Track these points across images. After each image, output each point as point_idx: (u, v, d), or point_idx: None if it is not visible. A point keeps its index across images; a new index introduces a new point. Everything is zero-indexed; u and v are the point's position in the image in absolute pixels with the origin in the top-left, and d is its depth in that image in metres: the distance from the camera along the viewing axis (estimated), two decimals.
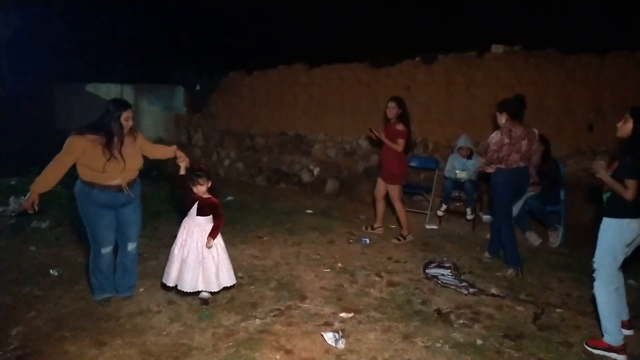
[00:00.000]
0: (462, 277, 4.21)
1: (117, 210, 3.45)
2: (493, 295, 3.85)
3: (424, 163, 6.68)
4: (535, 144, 4.35)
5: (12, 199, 6.33)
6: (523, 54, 6.32)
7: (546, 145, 5.25)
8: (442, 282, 4.07)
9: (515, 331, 3.25)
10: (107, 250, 3.46)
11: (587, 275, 4.20)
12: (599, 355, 2.99)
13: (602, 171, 2.97)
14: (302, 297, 3.78)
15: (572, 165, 5.93)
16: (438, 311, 3.56)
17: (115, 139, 3.28)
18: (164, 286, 3.67)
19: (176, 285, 3.55)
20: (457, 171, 5.81)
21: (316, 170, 8.06)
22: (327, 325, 3.32)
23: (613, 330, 2.97)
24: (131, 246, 3.62)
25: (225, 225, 5.74)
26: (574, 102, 5.94)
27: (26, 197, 3.21)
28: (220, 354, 2.94)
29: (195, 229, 3.54)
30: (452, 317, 3.47)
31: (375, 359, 2.90)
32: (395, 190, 5.22)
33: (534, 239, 5.21)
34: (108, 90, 11.61)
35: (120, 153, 3.29)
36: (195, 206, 3.55)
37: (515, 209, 5.23)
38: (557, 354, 2.98)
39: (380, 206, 5.51)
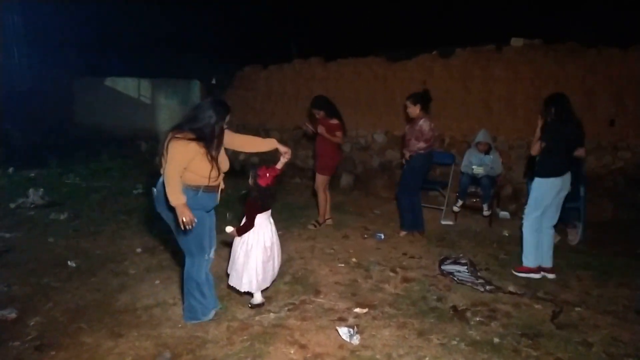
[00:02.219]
0: (479, 273, 4.16)
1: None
2: (510, 292, 3.79)
3: (440, 158, 6.58)
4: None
5: (31, 191, 6.45)
6: (543, 47, 6.19)
7: None
8: (458, 278, 4.02)
9: (533, 330, 3.20)
10: (212, 253, 3.25)
11: (607, 274, 4.15)
12: (525, 277, 4.04)
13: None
14: (317, 291, 3.77)
15: (593, 161, 5.81)
16: (454, 308, 3.51)
17: (216, 146, 3.01)
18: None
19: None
20: (473, 166, 5.73)
21: None
22: (342, 320, 3.30)
23: (531, 258, 4.11)
24: (213, 251, 3.34)
25: (239, 219, 5.80)
26: (595, 96, 5.81)
27: (179, 214, 2.85)
28: (234, 347, 2.95)
29: (270, 222, 3.49)
30: (469, 314, 3.42)
31: (389, 355, 2.88)
32: (325, 180, 5.39)
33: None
34: (126, 85, 11.76)
35: (216, 159, 3.02)
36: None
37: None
38: (576, 354, 2.92)
39: (323, 198, 5.49)
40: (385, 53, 7.64)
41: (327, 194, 5.50)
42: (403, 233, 5.27)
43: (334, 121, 5.22)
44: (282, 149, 3.42)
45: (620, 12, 7.86)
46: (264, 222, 3.42)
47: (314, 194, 5.75)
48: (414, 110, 4.97)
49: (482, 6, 9.84)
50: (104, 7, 12.79)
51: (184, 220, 2.84)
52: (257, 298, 3.49)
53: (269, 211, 3.49)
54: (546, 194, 4.03)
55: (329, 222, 5.61)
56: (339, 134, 5.22)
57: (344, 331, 3.07)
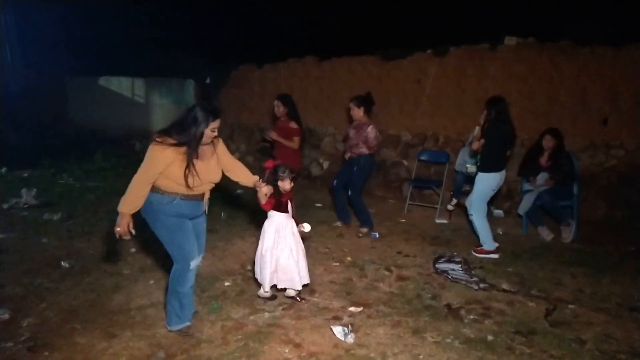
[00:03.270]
0: (473, 272, 4.17)
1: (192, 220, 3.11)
2: (504, 290, 3.81)
3: (434, 157, 6.61)
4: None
5: (24, 191, 6.41)
6: (537, 46, 6.21)
7: (560, 139, 5.18)
8: (452, 277, 4.03)
9: (526, 327, 3.21)
10: (196, 262, 3.07)
11: (600, 272, 4.18)
12: (481, 258, 4.55)
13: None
14: (311, 290, 3.76)
15: (586, 160, 5.83)
16: (448, 306, 3.52)
17: (195, 152, 2.86)
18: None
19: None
20: (468, 165, 5.74)
21: (326, 164, 8.03)
22: (336, 319, 3.30)
23: (488, 241, 4.59)
24: (200, 259, 3.21)
25: (234, 218, 5.81)
26: (589, 95, 5.83)
27: (117, 222, 2.81)
28: (229, 346, 2.94)
29: (290, 226, 3.49)
30: (463, 312, 3.43)
31: (384, 354, 2.88)
32: None
33: (546, 234, 5.14)
34: (120, 84, 11.70)
35: (194, 167, 2.84)
36: (289, 205, 3.49)
37: (528, 204, 5.17)
38: (570, 351, 2.93)
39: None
40: (380, 52, 7.63)
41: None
42: (365, 230, 5.31)
43: (294, 125, 5.07)
44: (257, 184, 3.28)
45: (614, 11, 7.89)
46: (277, 225, 3.46)
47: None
48: (358, 112, 5.14)
49: (476, 5, 9.85)
50: (98, 7, 12.71)
51: (117, 229, 2.81)
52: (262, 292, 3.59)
53: (286, 215, 3.48)
54: (490, 187, 4.56)
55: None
56: (296, 139, 5.06)
57: (338, 330, 3.08)
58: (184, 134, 2.79)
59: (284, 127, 5.09)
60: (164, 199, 2.86)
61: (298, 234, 3.53)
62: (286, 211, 3.47)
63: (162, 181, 2.83)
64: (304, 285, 3.54)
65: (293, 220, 3.54)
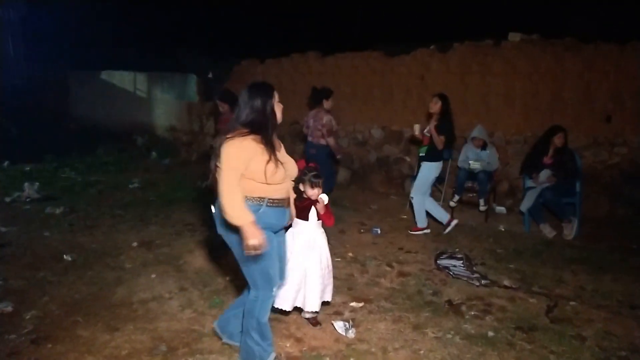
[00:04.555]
0: (474, 268, 4.17)
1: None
2: (505, 287, 3.81)
3: None
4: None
5: (26, 184, 6.43)
6: (540, 42, 6.18)
7: (565, 136, 5.17)
8: (453, 273, 4.03)
9: (527, 323, 3.21)
10: (277, 289, 2.68)
11: (602, 269, 4.17)
12: (417, 235, 5.14)
13: (418, 131, 5.16)
14: None
15: (589, 157, 5.81)
16: (449, 302, 3.53)
17: (273, 136, 2.48)
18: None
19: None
20: (470, 161, 5.74)
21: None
22: (338, 314, 3.31)
23: (422, 219, 5.20)
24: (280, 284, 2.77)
25: None
26: (592, 92, 5.80)
27: (247, 237, 2.27)
28: None
29: (319, 236, 3.12)
30: (464, 308, 3.44)
31: (385, 349, 2.89)
32: None
33: (548, 231, 5.14)
34: (122, 78, 11.68)
35: (276, 155, 2.44)
36: (313, 211, 3.04)
37: (530, 201, 5.17)
38: (570, 347, 2.94)
39: None
40: (383, 47, 7.61)
41: None
42: None
43: None
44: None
45: (618, 8, 7.85)
46: (302, 235, 3.08)
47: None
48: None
49: (480, 1, 9.81)
50: (100, 1, 12.70)
51: (253, 244, 2.25)
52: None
53: (313, 222, 3.09)
54: (434, 174, 5.07)
55: None
56: None
57: (339, 325, 3.09)
58: (255, 118, 2.40)
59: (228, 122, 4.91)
60: (249, 207, 2.37)
61: (324, 246, 3.13)
62: (306, 218, 3.05)
63: (245, 185, 2.38)
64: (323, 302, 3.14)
65: (319, 231, 3.10)
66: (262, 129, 2.41)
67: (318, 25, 11.66)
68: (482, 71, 6.47)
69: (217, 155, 2.37)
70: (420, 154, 5.26)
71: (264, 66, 9.04)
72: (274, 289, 2.59)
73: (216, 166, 2.39)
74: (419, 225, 5.20)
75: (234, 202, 2.30)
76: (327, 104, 5.56)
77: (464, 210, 6.04)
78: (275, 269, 2.57)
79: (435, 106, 4.88)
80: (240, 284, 3.77)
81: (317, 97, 5.62)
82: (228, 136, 2.37)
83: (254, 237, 2.26)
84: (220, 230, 2.51)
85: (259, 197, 2.42)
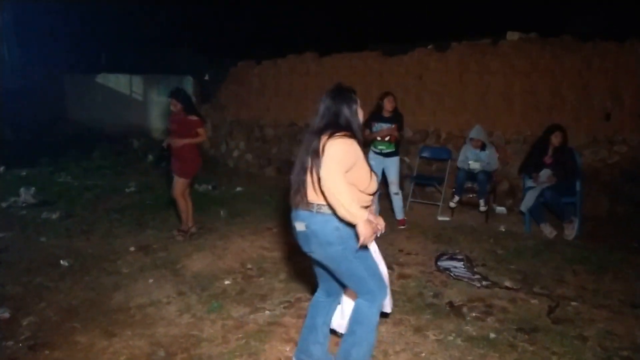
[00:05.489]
0: (475, 269, 4.14)
1: None
2: (507, 288, 3.78)
3: (436, 153, 6.57)
4: None
5: (22, 189, 6.39)
6: (539, 41, 6.16)
7: (564, 135, 5.15)
8: (454, 274, 4.00)
9: (529, 325, 3.19)
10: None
11: (603, 268, 4.15)
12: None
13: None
14: (312, 289, 3.73)
15: (589, 156, 5.79)
16: (450, 304, 3.50)
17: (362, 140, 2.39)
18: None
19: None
20: (470, 162, 5.71)
21: None
22: None
23: (399, 210, 5.43)
24: None
25: (233, 216, 5.78)
26: (591, 90, 5.79)
27: (362, 233, 2.12)
28: (229, 345, 2.92)
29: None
30: (465, 310, 3.41)
31: (386, 352, 2.86)
32: (185, 185, 4.90)
33: (548, 231, 5.11)
34: (117, 81, 11.66)
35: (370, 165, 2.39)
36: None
37: (530, 201, 5.14)
38: (572, 348, 2.91)
39: (183, 204, 4.93)
40: (381, 47, 7.59)
41: (189, 199, 4.99)
42: None
43: (193, 117, 4.79)
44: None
45: (616, 6, 7.85)
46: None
47: (172, 202, 5.15)
48: None
49: (478, 0, 9.81)
50: (95, 4, 12.66)
51: (369, 235, 2.14)
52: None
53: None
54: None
55: (193, 230, 5.03)
56: (200, 131, 4.81)
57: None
58: (353, 122, 2.31)
59: (184, 122, 4.75)
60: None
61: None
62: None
63: None
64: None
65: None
66: (357, 134, 2.32)
67: (315, 25, 11.64)
68: (481, 70, 6.45)
69: (313, 153, 2.22)
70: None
71: (261, 67, 9.02)
72: (386, 289, 2.45)
73: (312, 166, 2.23)
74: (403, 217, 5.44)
75: (351, 197, 2.12)
76: None
77: (464, 211, 6.02)
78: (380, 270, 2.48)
79: (392, 105, 5.28)
80: (238, 288, 3.73)
81: None
82: (336, 134, 2.21)
83: (371, 229, 2.15)
84: (315, 245, 2.30)
85: (364, 207, 2.28)
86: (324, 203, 2.23)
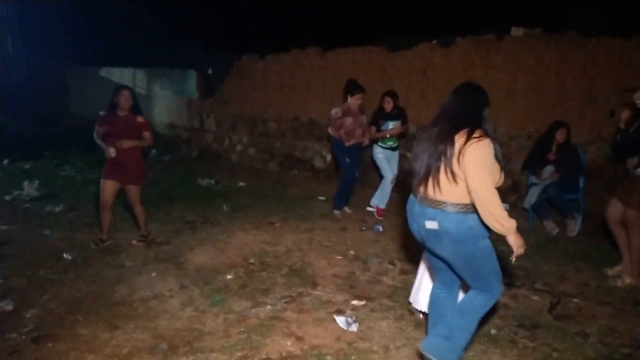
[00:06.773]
0: None
1: None
2: (508, 284, 3.77)
3: None
4: None
5: (26, 183, 6.41)
6: (543, 36, 6.12)
7: (568, 131, 5.14)
8: None
9: (530, 321, 3.19)
10: None
11: (605, 265, 4.14)
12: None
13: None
14: (314, 284, 3.75)
15: (593, 152, 5.76)
16: None
17: None
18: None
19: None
20: None
21: (329, 157, 7.99)
22: (339, 312, 3.29)
23: (383, 200, 5.69)
24: None
25: (236, 210, 5.79)
26: (596, 86, 5.75)
27: (515, 244, 2.27)
28: (231, 339, 2.94)
29: None
30: None
31: (387, 347, 2.87)
32: (139, 191, 4.57)
33: (551, 227, 5.11)
34: (121, 74, 11.64)
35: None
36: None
37: (533, 197, 5.13)
38: (573, 344, 2.92)
39: (141, 210, 4.63)
40: (385, 42, 7.55)
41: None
42: (337, 212, 5.71)
43: (141, 119, 4.43)
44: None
45: (621, 2, 7.78)
46: None
47: (128, 210, 4.90)
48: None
49: None
50: None
51: (520, 250, 2.25)
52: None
53: None
54: None
55: (107, 244, 4.58)
56: (148, 134, 4.45)
57: (341, 320, 3.08)
58: (482, 123, 2.31)
59: (132, 124, 4.36)
60: (475, 215, 2.27)
61: None
62: None
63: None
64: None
65: None
66: (487, 133, 2.29)
67: (318, 20, 11.60)
68: (485, 66, 6.42)
69: (443, 156, 2.23)
70: (397, 144, 5.88)
71: (264, 62, 8.99)
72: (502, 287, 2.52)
73: (445, 166, 2.24)
74: (378, 206, 5.72)
75: (502, 209, 2.16)
76: (350, 99, 5.62)
77: None
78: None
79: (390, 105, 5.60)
80: (240, 282, 3.75)
81: (344, 91, 5.81)
82: (475, 136, 2.19)
83: (521, 239, 2.26)
84: (459, 244, 2.31)
85: None
86: (457, 202, 2.26)
